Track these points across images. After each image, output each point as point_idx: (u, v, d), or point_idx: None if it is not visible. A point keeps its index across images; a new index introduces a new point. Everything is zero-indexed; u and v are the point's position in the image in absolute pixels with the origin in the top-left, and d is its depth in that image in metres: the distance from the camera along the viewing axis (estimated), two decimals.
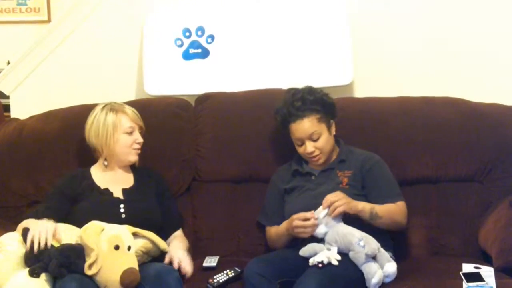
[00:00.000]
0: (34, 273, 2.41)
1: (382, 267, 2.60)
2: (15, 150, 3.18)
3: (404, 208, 2.87)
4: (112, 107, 2.94)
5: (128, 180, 2.98)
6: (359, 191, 2.86)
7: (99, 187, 2.91)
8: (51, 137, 3.19)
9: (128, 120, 2.92)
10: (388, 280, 2.60)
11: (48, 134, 3.20)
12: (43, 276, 2.43)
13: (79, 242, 2.53)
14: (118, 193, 2.90)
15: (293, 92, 2.97)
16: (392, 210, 2.82)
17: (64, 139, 3.18)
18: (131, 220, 2.73)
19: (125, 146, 2.91)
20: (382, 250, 2.64)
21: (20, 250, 2.54)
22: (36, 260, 2.47)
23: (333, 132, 2.97)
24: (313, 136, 2.89)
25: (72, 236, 2.60)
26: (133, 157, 2.94)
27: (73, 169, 3.04)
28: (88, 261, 2.45)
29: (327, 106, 2.95)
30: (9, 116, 3.59)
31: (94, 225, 2.55)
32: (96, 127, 2.91)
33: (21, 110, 3.51)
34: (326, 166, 2.95)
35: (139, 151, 2.95)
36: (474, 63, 3.49)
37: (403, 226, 2.88)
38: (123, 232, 2.58)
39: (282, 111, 2.95)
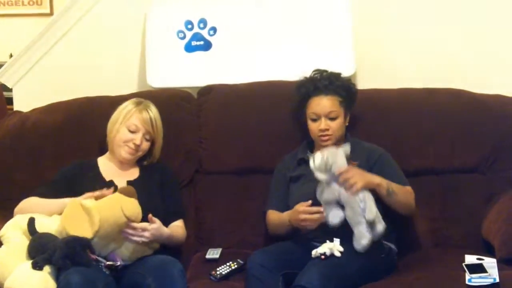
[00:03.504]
0: (37, 266, 2.42)
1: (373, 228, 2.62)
2: (18, 142, 3.18)
3: (413, 193, 2.86)
4: (138, 102, 2.96)
5: (134, 172, 2.98)
6: None
7: (104, 179, 2.92)
8: (54, 130, 3.19)
9: (137, 119, 2.91)
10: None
11: (51, 126, 3.20)
12: (46, 268, 2.43)
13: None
14: (123, 185, 2.89)
15: (321, 71, 3.04)
16: (406, 191, 2.83)
17: (67, 131, 3.18)
18: None
19: (121, 139, 2.91)
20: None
21: (23, 241, 2.55)
22: (40, 252, 2.48)
23: (346, 123, 2.99)
24: (331, 115, 2.90)
25: None
26: (125, 154, 2.92)
27: (78, 160, 3.03)
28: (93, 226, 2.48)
29: (351, 95, 3.01)
30: (12, 108, 3.60)
31: (71, 206, 2.56)
32: (115, 113, 2.96)
33: (24, 103, 3.51)
34: None
35: (134, 152, 2.92)
36: (477, 54, 3.48)
37: (413, 211, 2.87)
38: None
39: (307, 85, 3.00)
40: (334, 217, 2.66)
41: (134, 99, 3.01)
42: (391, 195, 2.72)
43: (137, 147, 2.91)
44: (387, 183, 2.73)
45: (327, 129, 2.90)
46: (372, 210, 2.61)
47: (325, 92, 2.95)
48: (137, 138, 2.91)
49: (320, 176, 2.66)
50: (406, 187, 2.85)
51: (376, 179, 2.72)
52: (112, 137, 2.93)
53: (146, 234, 2.65)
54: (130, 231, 2.62)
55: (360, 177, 2.65)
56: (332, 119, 2.91)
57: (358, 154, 2.93)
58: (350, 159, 2.73)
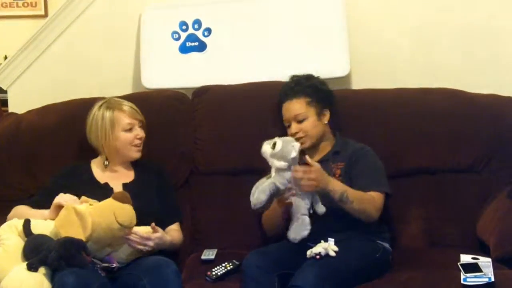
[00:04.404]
0: (32, 267, 2.41)
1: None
2: (13, 144, 3.18)
3: (379, 201, 2.80)
4: (109, 105, 2.93)
5: (129, 174, 2.98)
6: (350, 183, 2.85)
7: (98, 182, 2.91)
8: (48, 131, 3.19)
9: (126, 117, 2.91)
10: None
11: (45, 128, 3.20)
12: (41, 269, 2.43)
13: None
14: (118, 188, 2.89)
15: (292, 76, 3.07)
16: (364, 199, 2.75)
17: (61, 133, 3.18)
18: None
19: (126, 143, 2.91)
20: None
21: (19, 243, 2.54)
22: (35, 253, 2.47)
23: (325, 121, 2.98)
24: (298, 117, 2.92)
25: None
26: (135, 154, 2.95)
27: (71, 163, 3.04)
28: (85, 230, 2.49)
29: (321, 93, 2.99)
30: (7, 110, 3.60)
31: (64, 211, 2.58)
32: (95, 127, 2.92)
33: (18, 105, 3.51)
34: (321, 157, 2.95)
35: (141, 147, 2.95)
36: (472, 54, 3.49)
37: (373, 219, 2.77)
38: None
39: (280, 91, 3.03)
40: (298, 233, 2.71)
41: (98, 104, 2.95)
42: (344, 202, 2.69)
43: (141, 139, 2.94)
44: (341, 192, 2.68)
45: (297, 132, 2.92)
46: (322, 206, 2.69)
47: (291, 96, 2.97)
48: (138, 132, 2.93)
49: (278, 163, 2.65)
50: (369, 194, 2.78)
51: (329, 185, 2.67)
52: (113, 147, 2.92)
53: (150, 243, 2.67)
54: (134, 239, 2.63)
55: (313, 183, 2.63)
56: (301, 121, 2.92)
57: (345, 154, 2.93)
58: (303, 154, 2.75)
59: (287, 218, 2.76)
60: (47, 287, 2.41)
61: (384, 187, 2.85)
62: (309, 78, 3.04)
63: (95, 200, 2.67)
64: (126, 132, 2.91)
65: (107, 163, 2.96)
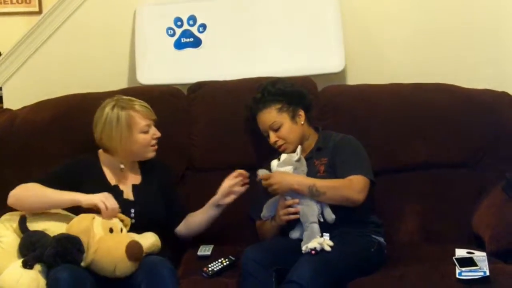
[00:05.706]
0: (27, 265, 2.42)
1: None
2: (8, 140, 3.18)
3: (358, 182, 2.77)
4: (123, 106, 2.81)
5: (136, 174, 2.93)
6: (335, 176, 2.85)
7: (109, 183, 2.84)
8: (43, 127, 3.18)
9: (142, 118, 2.82)
10: None
11: (40, 124, 3.19)
12: (37, 267, 2.44)
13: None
14: (128, 191, 2.85)
15: (258, 85, 3.04)
16: (338, 186, 2.75)
17: (56, 128, 3.17)
18: (139, 222, 2.74)
19: (144, 145, 2.84)
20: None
21: (15, 240, 2.54)
22: (31, 250, 2.47)
23: (301, 122, 2.96)
24: (273, 126, 2.92)
25: None
26: (151, 154, 2.89)
27: (66, 159, 3.00)
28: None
29: (289, 96, 2.96)
30: (1, 107, 3.59)
31: (84, 217, 2.57)
32: (108, 129, 2.79)
33: (13, 101, 3.50)
34: (306, 156, 2.94)
35: (156, 146, 2.89)
36: (466, 49, 3.50)
37: (358, 202, 2.75)
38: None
39: (248, 106, 3.03)
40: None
41: (110, 105, 2.81)
42: (315, 195, 2.72)
43: (157, 139, 2.88)
44: (308, 186, 2.72)
45: (277, 141, 2.92)
46: (331, 213, 2.72)
47: (261, 108, 2.96)
48: (154, 132, 2.86)
49: (283, 169, 2.78)
50: (346, 179, 2.77)
51: (294, 184, 2.73)
52: (131, 150, 2.83)
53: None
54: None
55: (280, 183, 2.74)
56: (277, 129, 2.92)
57: (328, 149, 2.93)
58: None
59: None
60: (42, 284, 2.42)
61: (364, 170, 2.81)
62: (274, 83, 3.00)
63: (127, 224, 2.66)
64: (144, 134, 2.83)
65: (123, 166, 2.87)
